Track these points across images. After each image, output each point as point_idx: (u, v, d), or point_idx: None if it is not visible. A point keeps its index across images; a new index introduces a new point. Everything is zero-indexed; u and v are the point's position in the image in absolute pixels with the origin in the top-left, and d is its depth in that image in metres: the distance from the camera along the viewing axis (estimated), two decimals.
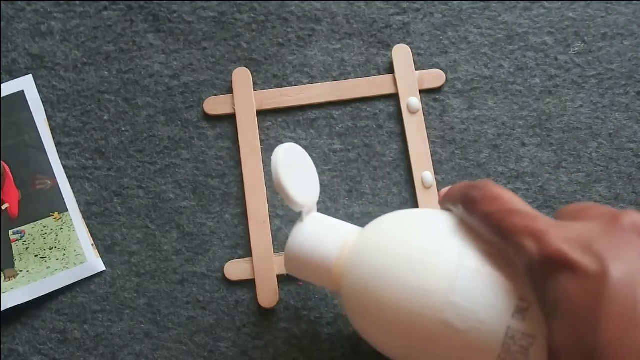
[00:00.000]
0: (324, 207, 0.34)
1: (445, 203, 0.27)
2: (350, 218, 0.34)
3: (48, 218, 0.34)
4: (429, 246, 0.25)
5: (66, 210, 0.34)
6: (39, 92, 0.36)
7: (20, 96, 0.36)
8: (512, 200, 0.24)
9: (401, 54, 0.36)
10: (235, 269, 0.34)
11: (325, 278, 0.28)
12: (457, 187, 0.27)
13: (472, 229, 0.25)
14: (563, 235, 0.22)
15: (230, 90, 0.36)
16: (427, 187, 0.34)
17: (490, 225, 0.24)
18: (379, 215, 0.34)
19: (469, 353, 0.24)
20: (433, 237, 0.26)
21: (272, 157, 0.27)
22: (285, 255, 0.29)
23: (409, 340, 0.25)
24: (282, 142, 0.35)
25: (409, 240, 0.26)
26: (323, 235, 0.28)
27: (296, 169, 0.28)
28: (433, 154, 0.35)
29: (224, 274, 0.34)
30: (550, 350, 0.21)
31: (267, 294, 0.33)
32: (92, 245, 0.34)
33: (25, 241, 0.34)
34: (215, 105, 0.36)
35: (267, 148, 0.35)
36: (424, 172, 0.34)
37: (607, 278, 0.20)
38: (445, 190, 0.28)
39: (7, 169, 0.35)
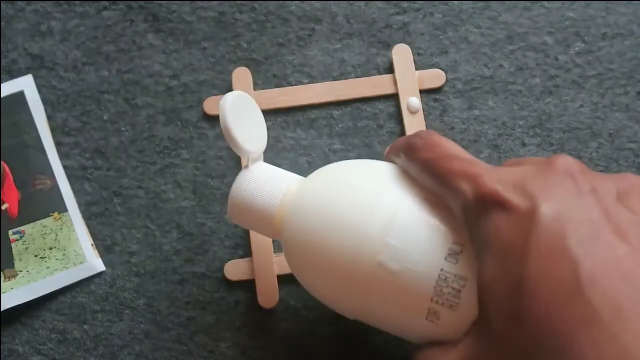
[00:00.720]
0: None
1: (389, 155, 0.28)
2: None
3: (48, 218, 0.34)
4: (368, 191, 0.26)
5: (66, 210, 0.34)
6: (39, 92, 0.36)
7: (20, 96, 0.36)
8: (451, 147, 0.25)
9: (401, 53, 0.36)
10: (235, 269, 0.34)
11: (267, 226, 0.28)
12: (400, 139, 0.27)
13: (412, 178, 0.26)
14: (497, 177, 0.22)
15: (230, 90, 0.36)
16: None
17: (429, 171, 0.25)
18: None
19: (403, 295, 0.24)
20: (373, 183, 0.26)
21: (220, 104, 0.27)
22: (229, 202, 0.29)
23: (345, 284, 0.26)
24: (283, 142, 0.35)
25: (349, 186, 0.26)
26: (266, 183, 0.28)
27: (245, 117, 0.28)
28: None
29: (224, 274, 0.34)
30: (479, 285, 0.22)
31: (267, 294, 0.33)
32: (92, 245, 0.34)
33: (25, 241, 0.34)
34: (215, 105, 0.36)
35: (267, 148, 0.35)
36: None
37: (537, 215, 0.21)
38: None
39: (7, 169, 0.35)
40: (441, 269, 0.24)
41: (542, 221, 0.21)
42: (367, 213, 0.25)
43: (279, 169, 0.29)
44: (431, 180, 0.25)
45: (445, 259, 0.24)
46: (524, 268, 0.21)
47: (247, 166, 0.29)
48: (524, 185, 0.22)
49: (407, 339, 0.27)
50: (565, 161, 0.23)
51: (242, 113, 0.28)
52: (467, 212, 0.23)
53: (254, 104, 0.30)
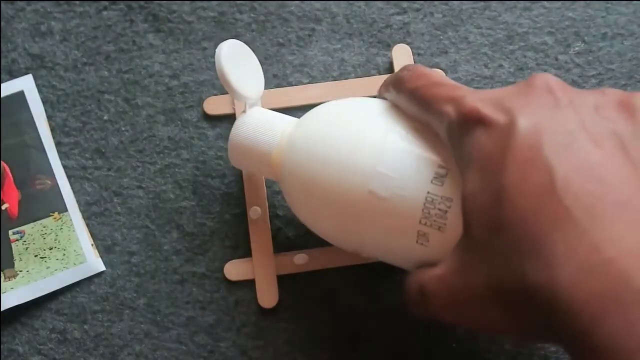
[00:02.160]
0: None
1: (380, 93, 0.29)
2: None
3: (48, 218, 0.34)
4: (358, 124, 0.27)
5: (66, 210, 0.34)
6: (39, 92, 0.36)
7: (20, 96, 0.36)
8: (436, 75, 0.26)
9: (401, 54, 0.36)
10: (235, 269, 0.34)
11: (266, 167, 0.30)
12: (389, 75, 0.29)
13: (401, 110, 0.27)
14: (479, 97, 0.24)
15: None
16: None
17: (416, 99, 0.26)
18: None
19: (394, 220, 0.26)
20: (363, 116, 0.28)
21: (216, 51, 0.29)
22: (229, 146, 0.30)
23: (340, 215, 0.27)
24: None
25: (340, 120, 0.28)
26: (263, 126, 0.30)
27: (241, 64, 0.30)
28: None
29: (224, 274, 0.34)
30: (462, 199, 0.23)
31: (267, 294, 0.33)
32: (92, 245, 0.34)
33: (25, 241, 0.34)
34: (215, 105, 0.36)
35: None
36: None
37: (515, 127, 0.22)
38: None
39: (7, 169, 0.35)
40: (428, 192, 0.25)
41: (519, 133, 0.22)
42: (357, 144, 0.27)
43: (276, 112, 0.31)
44: (418, 108, 0.26)
45: (432, 182, 0.25)
46: (502, 178, 0.22)
47: (244, 111, 0.30)
48: (503, 102, 0.23)
49: (402, 267, 0.28)
50: (544, 78, 0.23)
51: (238, 60, 0.30)
52: (451, 133, 0.24)
53: (250, 51, 0.31)
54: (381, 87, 0.29)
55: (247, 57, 0.31)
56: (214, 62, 0.36)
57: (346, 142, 0.27)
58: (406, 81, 0.27)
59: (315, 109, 0.30)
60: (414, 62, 0.36)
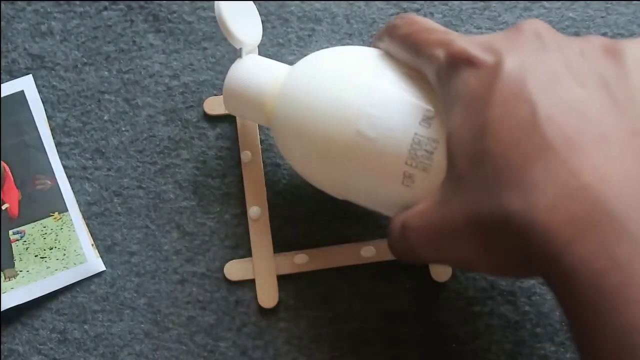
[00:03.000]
0: (324, 207, 0.34)
1: (375, 42, 0.30)
2: (350, 218, 0.34)
3: (48, 218, 0.34)
4: (349, 68, 0.28)
5: (66, 210, 0.34)
6: (39, 92, 0.36)
7: (20, 96, 0.36)
8: (428, 22, 0.27)
9: None
10: (235, 269, 0.34)
11: (259, 113, 0.31)
12: (383, 24, 0.29)
13: (393, 57, 0.28)
14: (468, 40, 0.24)
15: None
16: None
17: (408, 44, 0.26)
18: (380, 216, 0.34)
19: (380, 161, 0.26)
20: (355, 61, 0.28)
21: None
22: (224, 91, 0.31)
23: (327, 157, 0.28)
24: None
25: (332, 65, 0.28)
26: (258, 72, 0.30)
27: (239, 11, 0.31)
28: None
29: (224, 274, 0.34)
30: (448, 136, 0.24)
31: (267, 294, 0.33)
32: (92, 245, 0.34)
33: (25, 241, 0.34)
34: (215, 105, 0.36)
35: (267, 148, 0.35)
36: None
37: (501, 66, 0.23)
38: None
39: (7, 169, 0.35)
40: (415, 133, 0.26)
41: (505, 72, 0.22)
42: (347, 86, 0.27)
43: (271, 60, 0.31)
44: (410, 53, 0.27)
45: (419, 123, 0.26)
46: (486, 113, 0.22)
47: (240, 56, 0.31)
48: (491, 45, 0.24)
49: (384, 212, 0.29)
50: (532, 23, 0.24)
51: (236, 7, 0.31)
52: (440, 75, 0.25)
53: (250, 2, 0.32)
54: (375, 37, 0.30)
55: (247, 5, 0.32)
56: (214, 62, 0.36)
57: (336, 85, 0.27)
58: (399, 27, 0.27)
59: (308, 55, 0.30)
60: None
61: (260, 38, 0.32)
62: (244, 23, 0.31)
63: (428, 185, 0.25)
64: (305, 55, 0.36)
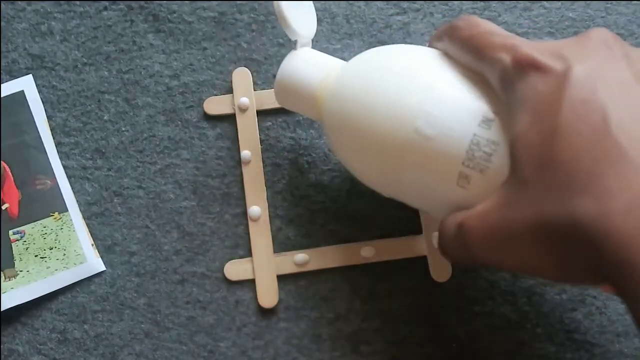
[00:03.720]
0: (324, 207, 0.34)
1: (432, 43, 0.29)
2: (350, 218, 0.34)
3: (48, 218, 0.34)
4: (409, 67, 0.28)
5: (66, 210, 0.34)
6: (39, 92, 0.36)
7: (20, 96, 0.36)
8: (491, 25, 0.27)
9: None
10: (235, 269, 0.34)
11: (310, 106, 0.30)
12: (443, 25, 0.29)
13: (452, 58, 0.28)
14: (534, 45, 0.24)
15: (230, 90, 0.36)
16: None
17: (470, 46, 0.26)
18: (380, 216, 0.34)
19: (436, 160, 0.26)
20: (414, 60, 0.28)
21: None
22: (276, 82, 0.31)
23: (382, 153, 0.27)
24: (282, 142, 0.35)
25: (391, 63, 0.28)
26: (311, 65, 0.30)
27: (298, 4, 0.31)
28: None
29: (224, 274, 0.34)
30: (512, 139, 0.24)
31: (267, 294, 0.33)
32: (92, 245, 0.34)
33: (25, 241, 0.34)
34: (215, 105, 0.36)
35: (267, 148, 0.35)
36: None
37: (571, 73, 0.23)
38: None
39: (7, 169, 0.35)
40: (474, 134, 0.25)
41: (575, 79, 0.23)
42: (406, 85, 0.27)
43: (325, 54, 0.31)
44: (471, 55, 0.26)
45: (479, 125, 0.25)
46: (556, 118, 0.22)
47: (295, 48, 0.31)
48: (559, 51, 0.24)
49: (435, 214, 0.28)
50: (600, 32, 0.24)
51: (295, 2, 0.31)
52: (504, 78, 0.25)
53: None
54: (433, 37, 0.29)
55: (305, 2, 0.32)
56: (214, 62, 0.36)
57: (395, 83, 0.27)
58: (461, 29, 0.27)
59: (364, 52, 0.30)
60: None
61: (315, 32, 0.32)
62: (300, 15, 0.31)
63: (483, 187, 0.25)
64: None
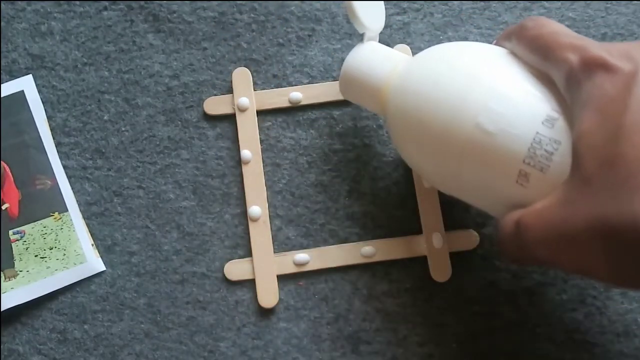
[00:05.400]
0: (324, 206, 0.34)
1: (500, 41, 0.29)
2: (350, 218, 0.34)
3: (48, 218, 0.34)
4: (474, 64, 0.28)
5: (66, 210, 0.34)
6: (39, 92, 0.36)
7: (20, 96, 0.36)
8: (559, 26, 0.27)
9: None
10: (235, 269, 0.34)
11: (374, 100, 0.31)
12: (511, 26, 0.29)
13: (518, 57, 0.28)
14: (602, 46, 0.24)
15: (230, 90, 0.36)
16: (427, 187, 0.34)
17: (538, 45, 0.26)
18: (380, 216, 0.34)
19: (497, 157, 0.26)
20: (480, 57, 0.28)
21: None
22: (341, 74, 0.31)
23: (443, 148, 0.27)
24: (282, 142, 0.35)
25: (456, 59, 0.28)
26: (377, 59, 0.31)
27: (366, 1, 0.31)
28: None
29: (224, 274, 0.34)
30: (576, 137, 0.24)
31: (267, 294, 0.33)
32: (92, 245, 0.34)
33: (25, 241, 0.34)
34: (215, 105, 0.36)
35: (267, 148, 0.35)
36: None
37: (639, 74, 0.23)
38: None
39: (7, 169, 0.35)
40: (537, 132, 0.25)
41: None
42: (471, 82, 0.27)
43: (391, 49, 0.31)
44: (538, 54, 0.26)
45: (542, 123, 0.25)
46: (622, 118, 0.22)
47: (362, 41, 0.31)
48: (628, 52, 0.24)
49: (492, 212, 0.28)
50: None
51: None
52: (571, 78, 0.25)
53: None
54: (501, 36, 0.29)
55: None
56: (214, 62, 0.36)
57: (459, 79, 0.27)
58: (530, 28, 0.27)
59: (430, 48, 0.30)
60: None
61: (381, 29, 0.33)
62: (369, 8, 0.31)
63: (542, 186, 0.25)
64: (305, 56, 0.36)
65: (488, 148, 0.26)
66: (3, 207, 0.34)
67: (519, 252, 0.25)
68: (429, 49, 0.30)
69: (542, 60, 0.26)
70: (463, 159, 0.27)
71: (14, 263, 0.34)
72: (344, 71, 0.31)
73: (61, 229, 0.34)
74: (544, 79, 0.27)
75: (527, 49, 0.27)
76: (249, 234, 0.34)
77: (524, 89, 0.26)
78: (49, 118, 0.36)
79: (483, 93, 0.26)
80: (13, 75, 0.36)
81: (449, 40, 0.36)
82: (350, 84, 0.31)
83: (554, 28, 0.27)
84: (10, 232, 0.34)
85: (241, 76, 0.36)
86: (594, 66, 0.24)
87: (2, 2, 0.37)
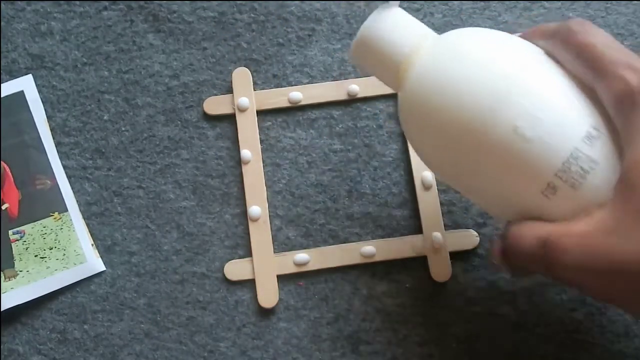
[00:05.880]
0: (324, 207, 0.34)
1: (533, 38, 0.27)
2: (350, 218, 0.34)
3: (48, 218, 0.34)
4: (513, 59, 0.26)
5: (66, 210, 0.34)
6: (39, 92, 0.36)
7: (20, 96, 0.36)
8: (609, 36, 0.25)
9: None
10: (235, 269, 0.34)
11: (390, 73, 0.27)
12: (546, 25, 0.27)
13: (558, 62, 0.26)
14: None
15: (230, 90, 0.36)
16: (427, 188, 0.34)
17: (587, 55, 0.25)
18: (379, 216, 0.34)
19: (529, 163, 0.25)
20: (519, 54, 0.26)
21: None
22: (357, 37, 0.27)
23: (464, 144, 0.25)
24: (282, 142, 0.35)
25: (494, 52, 0.26)
26: (400, 28, 0.27)
27: None
28: None
29: (224, 274, 0.34)
30: (632, 163, 0.22)
31: (267, 294, 0.33)
32: (92, 245, 0.34)
33: (25, 241, 0.34)
34: (215, 105, 0.36)
35: (267, 148, 0.35)
36: (423, 172, 0.34)
37: None
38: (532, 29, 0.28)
39: (7, 169, 0.35)
40: (575, 148, 0.24)
41: None
42: (511, 80, 0.25)
43: (417, 20, 0.28)
44: (585, 65, 0.25)
45: (582, 139, 0.24)
46: None
47: (384, 6, 0.27)
48: None
49: (497, 214, 0.27)
50: None
51: None
52: (625, 100, 0.23)
53: None
54: (535, 32, 0.27)
55: None
56: (214, 62, 0.36)
57: (499, 76, 0.25)
58: (578, 33, 0.25)
59: (462, 30, 0.27)
60: None
61: None
62: None
63: (568, 202, 0.24)
64: (305, 56, 0.36)
65: (521, 153, 0.25)
66: (3, 207, 0.34)
67: (539, 269, 0.24)
68: (461, 31, 0.27)
69: (588, 71, 0.25)
70: (488, 158, 0.25)
71: (13, 263, 0.34)
72: (362, 34, 0.27)
73: (61, 229, 0.34)
74: (587, 91, 0.25)
75: (573, 56, 0.25)
76: (249, 234, 0.34)
77: (568, 98, 0.25)
78: (49, 118, 0.36)
79: (524, 96, 0.25)
80: (13, 75, 0.36)
81: None
82: (365, 50, 0.27)
83: (603, 39, 0.25)
84: (10, 232, 0.34)
85: (241, 76, 0.36)
86: None
87: (2, 2, 0.37)
